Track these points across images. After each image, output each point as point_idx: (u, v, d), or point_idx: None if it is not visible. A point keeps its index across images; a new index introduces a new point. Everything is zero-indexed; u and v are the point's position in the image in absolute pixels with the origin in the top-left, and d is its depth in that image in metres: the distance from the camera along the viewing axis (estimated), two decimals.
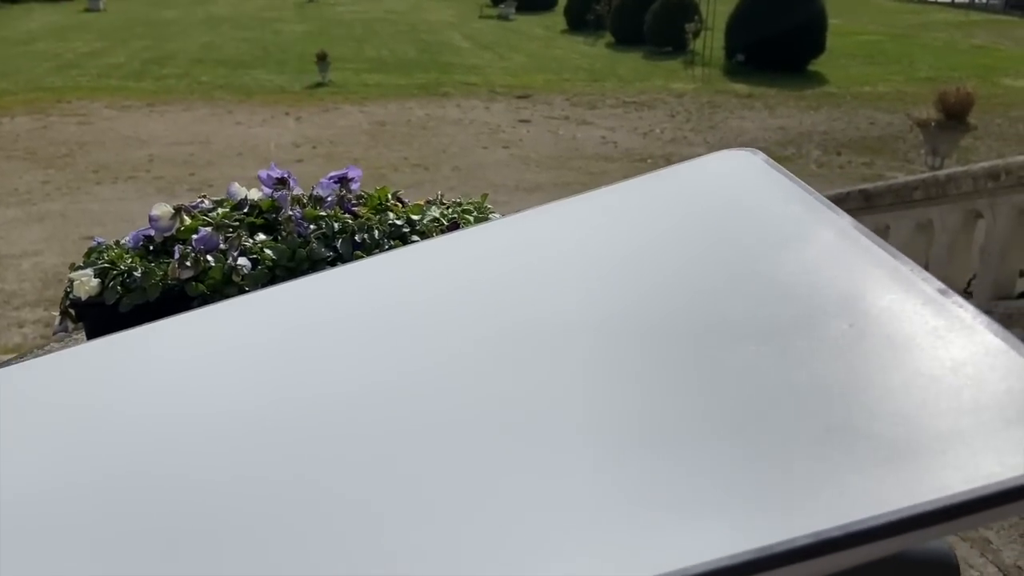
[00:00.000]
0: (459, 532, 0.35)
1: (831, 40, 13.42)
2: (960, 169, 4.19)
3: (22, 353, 0.96)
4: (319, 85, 11.92)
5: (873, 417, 0.36)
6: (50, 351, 0.83)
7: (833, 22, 13.47)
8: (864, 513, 0.31)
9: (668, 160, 8.68)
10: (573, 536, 0.34)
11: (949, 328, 0.39)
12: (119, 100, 11.00)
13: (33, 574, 0.38)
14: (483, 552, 0.34)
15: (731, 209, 0.54)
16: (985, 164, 4.03)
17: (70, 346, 0.78)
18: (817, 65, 13.26)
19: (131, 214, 6.85)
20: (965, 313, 0.40)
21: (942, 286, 0.43)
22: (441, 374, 0.46)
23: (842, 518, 0.31)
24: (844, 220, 0.50)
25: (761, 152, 0.62)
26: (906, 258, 0.46)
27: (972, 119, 7.52)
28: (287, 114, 10.44)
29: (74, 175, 8.01)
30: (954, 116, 7.18)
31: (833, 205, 0.52)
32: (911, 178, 4.58)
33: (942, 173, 4.23)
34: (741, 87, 12.23)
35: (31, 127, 9.78)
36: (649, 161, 8.21)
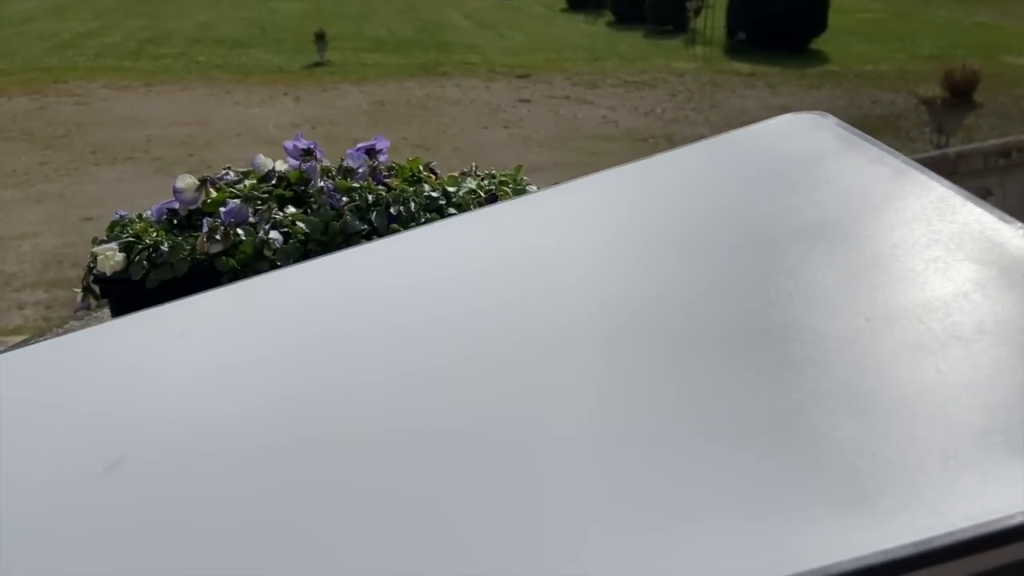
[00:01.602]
0: (484, 530, 0.33)
1: (833, 18, 13.33)
2: (971, 146, 4.16)
3: (43, 332, 0.93)
4: (317, 64, 11.83)
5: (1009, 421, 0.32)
6: (70, 329, 0.80)
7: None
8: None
9: (670, 140, 8.63)
10: (606, 538, 0.30)
11: None
12: (116, 80, 10.92)
13: (62, 550, 0.37)
14: (500, 551, 0.31)
15: (810, 175, 0.51)
16: (996, 141, 4.00)
17: (91, 324, 0.75)
18: (819, 43, 13.17)
19: (130, 195, 6.80)
20: None
21: None
22: (483, 358, 0.43)
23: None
24: (943, 186, 0.46)
25: (832, 115, 0.58)
26: (1017, 222, 0.42)
27: (977, 97, 7.47)
28: (286, 94, 10.36)
29: (72, 156, 7.95)
30: (960, 94, 7.14)
31: (926, 169, 0.48)
32: (920, 156, 4.55)
33: (952, 150, 4.20)
34: (743, 66, 12.16)
35: (28, 108, 9.70)
36: (651, 141, 8.15)
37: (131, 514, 0.38)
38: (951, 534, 0.26)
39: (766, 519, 0.29)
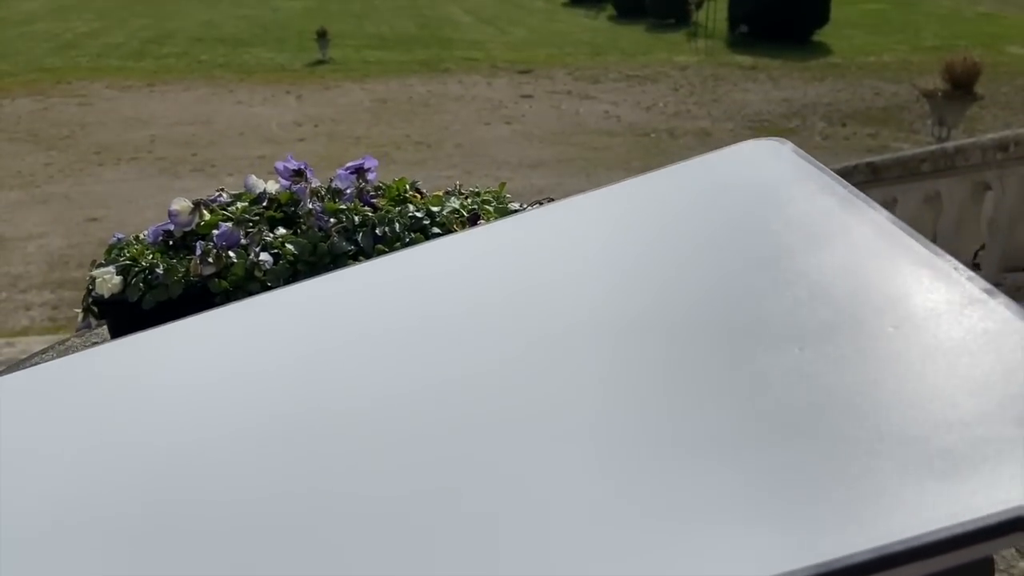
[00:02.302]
0: (486, 538, 0.35)
1: (835, 10, 13.30)
2: (968, 140, 4.16)
3: (45, 349, 0.96)
4: (319, 63, 11.85)
5: (926, 425, 0.35)
6: (72, 348, 0.83)
7: None
8: (923, 528, 0.30)
9: (672, 134, 8.63)
10: (618, 545, 0.33)
11: (1000, 332, 0.38)
12: (119, 80, 10.95)
13: (55, 572, 0.38)
14: (511, 560, 0.34)
15: (762, 203, 0.54)
16: (994, 135, 4.00)
17: (92, 344, 0.78)
18: (821, 35, 13.15)
19: (134, 195, 6.84)
20: (1014, 315, 0.39)
21: (988, 285, 0.42)
22: (471, 377, 0.45)
23: (903, 532, 0.30)
24: (880, 214, 0.49)
25: (789, 142, 0.61)
26: (947, 255, 0.45)
27: (979, 88, 7.46)
28: (288, 92, 10.38)
29: (76, 157, 7.98)
30: (961, 86, 7.12)
31: (867, 198, 0.51)
32: (919, 150, 4.55)
33: (950, 145, 4.20)
34: (744, 59, 12.14)
35: (32, 109, 9.74)
36: (653, 135, 8.16)
37: (125, 536, 0.39)
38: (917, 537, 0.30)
39: (739, 523, 0.32)
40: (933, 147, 4.36)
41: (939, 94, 7.20)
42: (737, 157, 0.61)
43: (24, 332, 4.71)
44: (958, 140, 4.64)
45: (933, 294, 0.43)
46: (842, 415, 0.37)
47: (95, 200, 6.80)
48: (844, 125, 8.86)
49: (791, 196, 0.53)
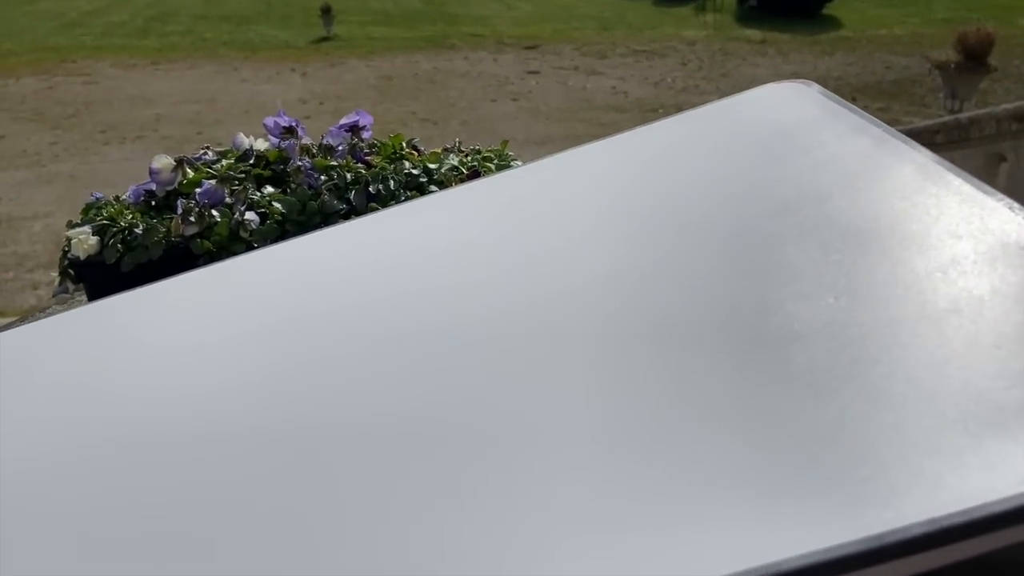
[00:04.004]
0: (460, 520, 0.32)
1: None
2: (983, 111, 4.09)
3: (23, 316, 0.93)
4: (324, 39, 11.77)
5: (986, 377, 0.30)
6: (51, 314, 0.79)
7: None
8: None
9: (680, 110, 8.49)
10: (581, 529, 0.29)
11: None
12: (124, 59, 10.90)
13: (29, 540, 0.36)
14: (491, 547, 0.30)
15: (790, 146, 0.49)
16: (1008, 106, 3.93)
17: (71, 308, 0.74)
18: (832, 8, 13.00)
19: (140, 174, 6.79)
20: None
21: None
22: (463, 336, 0.42)
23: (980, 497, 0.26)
24: (923, 154, 0.44)
25: (816, 83, 0.56)
26: (1001, 194, 0.40)
27: (992, 60, 7.35)
28: (293, 70, 10.32)
29: (82, 136, 7.96)
30: (974, 57, 7.02)
31: (908, 138, 0.46)
32: (932, 122, 4.48)
33: (964, 116, 4.14)
34: (754, 33, 12.01)
35: (37, 88, 9.71)
36: (660, 111, 8.07)
37: (105, 497, 0.37)
38: (905, 528, 0.25)
39: (724, 513, 0.28)
40: (947, 118, 4.29)
41: (952, 66, 7.11)
42: (759, 100, 0.56)
43: (32, 311, 4.70)
44: (970, 112, 4.57)
45: (987, 235, 0.38)
46: (889, 371, 0.32)
47: (101, 179, 6.77)
48: (854, 99, 8.74)
49: (820, 138, 0.49)
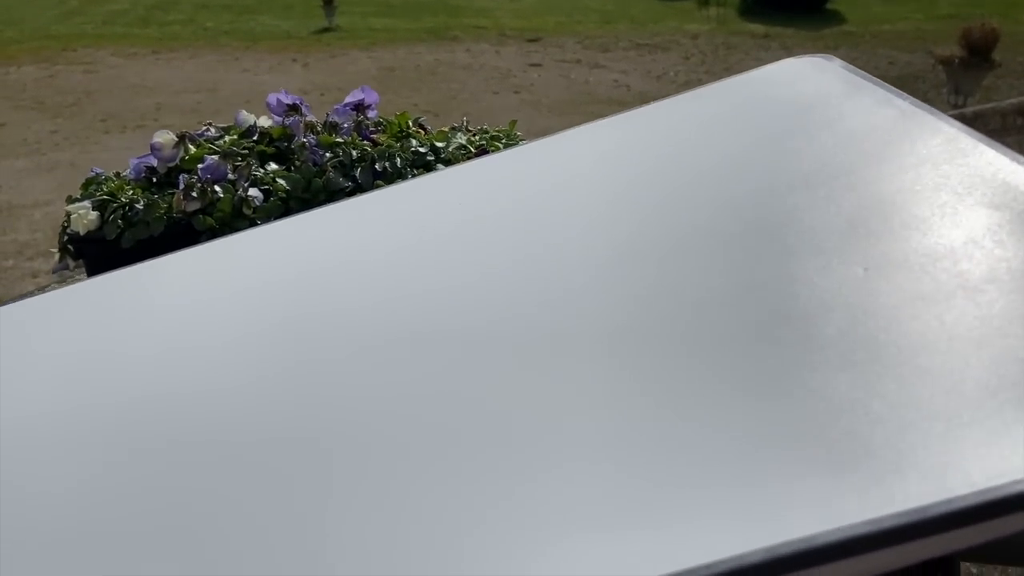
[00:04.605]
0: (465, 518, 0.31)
1: None
2: (988, 105, 4.08)
3: (20, 296, 0.92)
4: (326, 30, 11.74)
5: (1018, 355, 0.29)
6: (50, 290, 0.78)
7: None
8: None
9: None
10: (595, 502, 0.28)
11: None
12: (125, 48, 10.88)
13: (31, 508, 0.36)
14: (488, 544, 0.29)
15: (812, 119, 0.48)
16: (1013, 100, 3.92)
17: (70, 284, 0.73)
18: (835, 3, 12.96)
19: None
20: None
21: None
22: (466, 316, 0.41)
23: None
24: (953, 126, 0.43)
25: (837, 58, 0.55)
26: None
27: (996, 56, 7.33)
28: (294, 60, 10.30)
29: (82, 124, 7.94)
30: (978, 53, 7.00)
31: (936, 111, 0.45)
32: None
33: (969, 110, 4.13)
34: (757, 27, 11.99)
35: (38, 76, 9.68)
36: None
37: (102, 472, 0.37)
38: (949, 501, 0.23)
39: (752, 486, 0.27)
40: (951, 112, 4.28)
41: (956, 61, 7.09)
42: (780, 74, 0.55)
43: None
44: (975, 106, 4.56)
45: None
46: (923, 342, 0.31)
47: (102, 168, 6.76)
48: None
49: (845, 110, 0.47)
